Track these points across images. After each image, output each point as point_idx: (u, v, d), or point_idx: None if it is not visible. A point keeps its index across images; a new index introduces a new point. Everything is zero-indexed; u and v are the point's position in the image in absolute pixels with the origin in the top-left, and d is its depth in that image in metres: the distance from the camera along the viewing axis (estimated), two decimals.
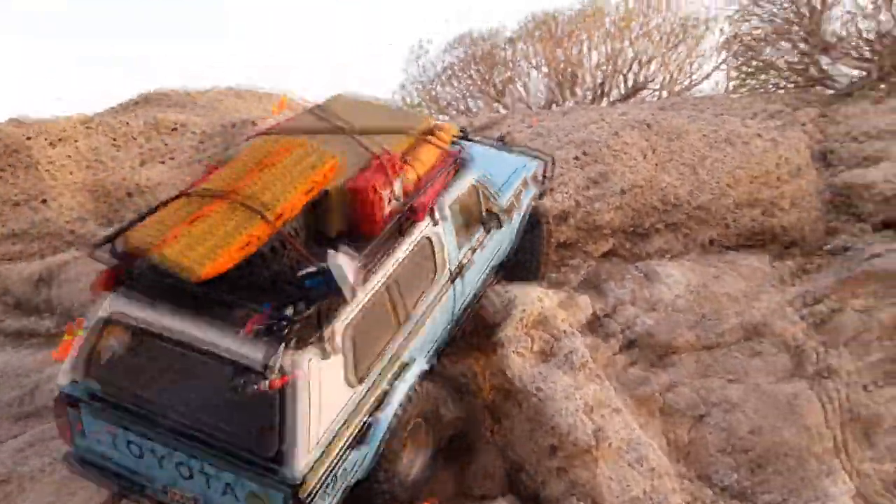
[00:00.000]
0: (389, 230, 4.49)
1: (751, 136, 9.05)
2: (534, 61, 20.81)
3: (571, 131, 9.59)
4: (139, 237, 3.84)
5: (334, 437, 4.03)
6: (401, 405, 4.47)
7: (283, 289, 3.89)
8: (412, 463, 4.87)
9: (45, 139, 7.34)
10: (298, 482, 3.77)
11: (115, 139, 7.69)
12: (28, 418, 6.00)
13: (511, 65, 21.21)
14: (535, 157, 7.25)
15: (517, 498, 5.14)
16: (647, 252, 8.41)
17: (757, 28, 15.18)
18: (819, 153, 10.69)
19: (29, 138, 7.22)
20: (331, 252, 3.86)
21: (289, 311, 3.70)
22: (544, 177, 7.30)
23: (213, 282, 3.70)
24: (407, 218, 4.67)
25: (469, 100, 21.82)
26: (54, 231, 7.46)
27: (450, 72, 21.98)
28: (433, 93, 22.18)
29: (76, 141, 7.46)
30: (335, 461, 4.02)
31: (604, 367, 6.58)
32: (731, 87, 17.42)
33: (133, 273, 4.17)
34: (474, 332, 6.20)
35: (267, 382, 3.56)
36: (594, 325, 7.22)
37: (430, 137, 5.25)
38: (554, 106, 19.54)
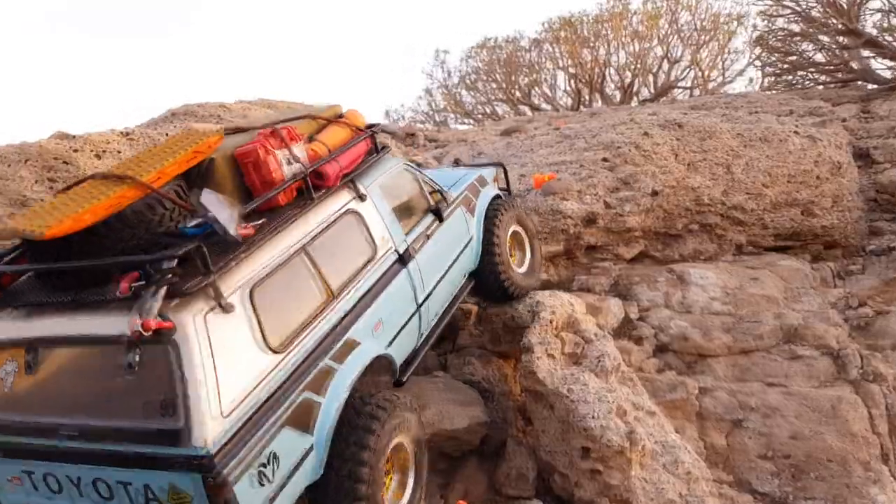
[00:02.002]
0: (295, 193, 4.53)
1: (787, 133, 9.13)
2: (560, 62, 21.04)
3: (599, 132, 9.74)
4: None
5: (256, 409, 3.67)
6: (374, 417, 4.25)
7: (163, 246, 3.73)
8: (401, 490, 4.62)
9: (91, 151, 7.67)
10: (207, 454, 3.35)
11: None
12: None
13: (536, 67, 21.43)
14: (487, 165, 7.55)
15: (550, 499, 5.26)
16: (680, 254, 8.53)
17: (792, 22, 15.22)
18: (861, 150, 10.74)
19: (76, 150, 7.55)
20: (205, 191, 3.89)
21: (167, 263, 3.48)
22: (507, 187, 7.45)
23: (85, 255, 3.62)
24: (314, 184, 4.64)
25: (494, 104, 22.08)
26: None
27: (474, 76, 22.27)
28: (458, 97, 22.48)
29: (119, 152, 7.78)
30: (263, 438, 3.65)
31: (637, 370, 6.69)
32: (765, 84, 17.49)
33: (19, 285, 4.07)
34: (503, 335, 6.35)
35: (139, 323, 3.23)
36: (626, 329, 7.33)
37: (339, 119, 5.43)
38: (581, 107, 19.72)
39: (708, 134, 9.09)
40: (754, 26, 18.70)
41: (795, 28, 15.15)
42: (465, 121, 21.88)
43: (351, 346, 4.42)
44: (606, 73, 20.53)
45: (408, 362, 5.23)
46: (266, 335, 3.85)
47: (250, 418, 3.61)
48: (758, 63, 18.57)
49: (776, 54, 16.10)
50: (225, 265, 3.72)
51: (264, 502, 3.64)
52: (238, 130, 4.86)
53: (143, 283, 3.49)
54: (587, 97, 20.57)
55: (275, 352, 3.88)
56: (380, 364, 4.67)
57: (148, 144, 7.91)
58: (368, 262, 4.93)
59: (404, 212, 5.53)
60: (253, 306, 3.83)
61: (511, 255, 6.72)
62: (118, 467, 3.58)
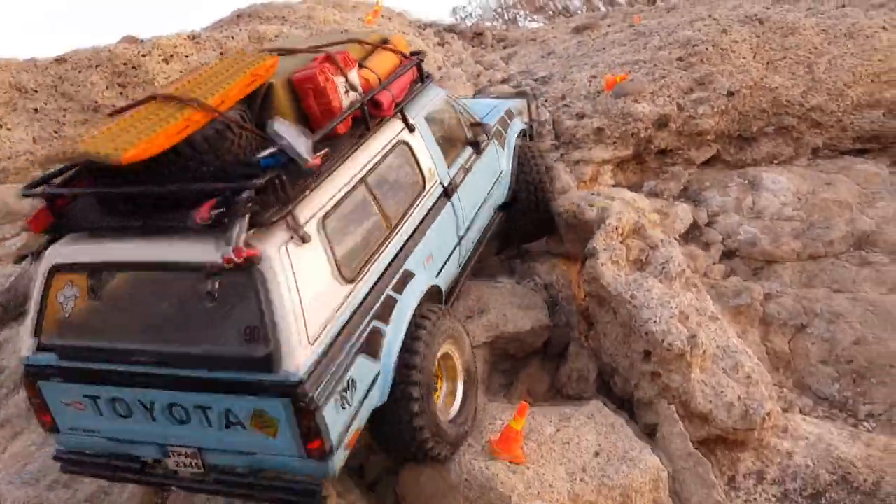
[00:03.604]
0: (353, 122, 4.42)
1: (875, 28, 8.54)
2: None
3: (675, 29, 9.31)
4: (57, 148, 3.69)
5: (335, 337, 3.69)
6: (419, 330, 4.26)
7: (237, 175, 3.57)
8: (451, 398, 4.64)
9: (159, 55, 7.77)
10: (298, 380, 3.37)
11: (222, 53, 8.03)
12: None
13: None
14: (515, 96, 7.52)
15: (610, 399, 5.40)
16: (753, 158, 8.25)
17: None
18: None
19: (144, 55, 7.67)
20: (277, 119, 3.79)
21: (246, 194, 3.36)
22: (530, 120, 7.43)
23: (154, 182, 3.50)
24: (370, 113, 4.52)
25: None
26: None
27: None
28: None
29: (187, 56, 7.86)
30: (342, 365, 3.67)
31: (702, 276, 6.65)
32: None
33: (78, 208, 3.91)
34: (566, 233, 6.37)
35: (230, 249, 3.19)
36: (694, 234, 7.24)
37: (384, 45, 5.27)
38: (659, 1, 18.68)
39: (790, 30, 8.58)
40: None
41: None
42: (536, 18, 21.02)
43: (408, 277, 4.41)
44: None
45: (449, 292, 5.22)
46: (339, 265, 3.84)
47: (331, 345, 3.63)
48: None
49: None
50: (301, 196, 3.66)
51: (344, 426, 3.67)
52: (283, 52, 4.69)
53: (221, 210, 3.33)
54: None
55: (347, 281, 3.88)
56: (431, 294, 4.66)
57: (215, 48, 7.98)
58: (419, 195, 4.86)
59: (446, 144, 5.42)
60: (326, 237, 3.80)
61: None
62: (198, 392, 3.56)
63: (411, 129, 4.97)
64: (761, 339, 6.16)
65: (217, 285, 3.34)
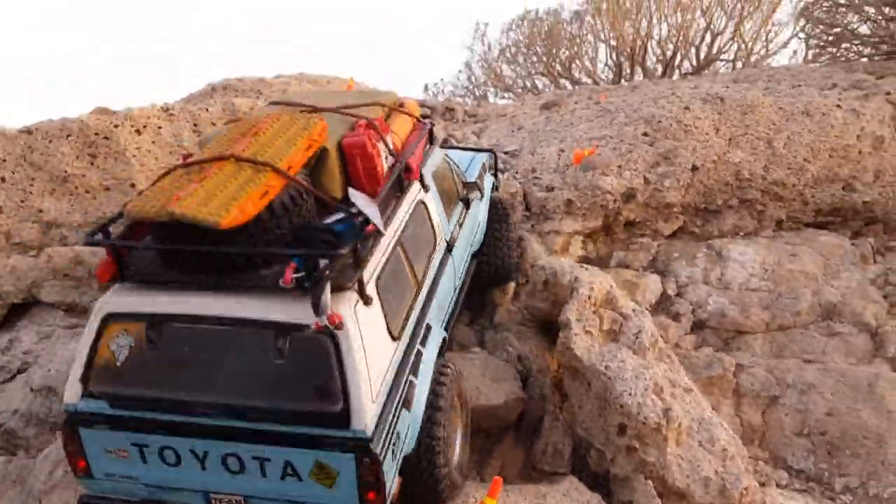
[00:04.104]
0: (391, 185, 4.51)
1: (830, 107, 8.73)
2: (601, 35, 20.40)
3: (640, 107, 9.44)
4: (142, 205, 3.55)
5: (388, 393, 3.80)
6: (442, 380, 4.41)
7: (310, 239, 3.73)
8: (456, 444, 4.73)
9: (132, 126, 7.61)
10: (367, 436, 3.48)
11: (195, 125, 7.89)
12: None
13: (577, 40, 20.85)
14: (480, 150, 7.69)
15: (586, 475, 5.17)
16: (719, 230, 8.26)
17: None
18: None
19: (116, 126, 7.51)
20: (352, 191, 4.05)
21: (322, 261, 3.51)
22: (496, 171, 7.64)
23: (231, 242, 3.54)
24: (404, 177, 4.74)
25: (534, 77, 21.59)
26: None
27: (514, 49, 21.79)
28: (498, 71, 22.03)
29: (159, 128, 7.71)
30: (393, 420, 3.77)
31: (673, 347, 6.53)
32: (809, 57, 16.78)
33: (134, 259, 3.94)
34: (541, 297, 6.24)
35: (325, 317, 3.32)
36: (664, 305, 7.16)
37: (401, 108, 5.40)
38: (623, 81, 19.16)
39: (749, 108, 8.73)
40: None
41: None
42: (505, 95, 21.43)
43: (429, 330, 4.56)
44: (648, 45, 19.85)
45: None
46: (389, 324, 3.97)
47: (386, 401, 3.74)
48: (802, 35, 17.78)
49: (820, 26, 15.37)
50: (365, 260, 3.80)
51: (392, 477, 3.76)
52: (313, 110, 4.73)
53: (302, 274, 3.47)
54: (628, 70, 19.94)
55: (394, 339, 4.02)
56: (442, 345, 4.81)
57: (188, 120, 7.85)
58: (433, 251, 5.04)
59: (445, 201, 5.58)
60: (379, 297, 3.91)
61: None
62: (258, 444, 3.59)
63: (426, 189, 5.16)
64: (735, 411, 6.02)
65: (287, 344, 3.50)
